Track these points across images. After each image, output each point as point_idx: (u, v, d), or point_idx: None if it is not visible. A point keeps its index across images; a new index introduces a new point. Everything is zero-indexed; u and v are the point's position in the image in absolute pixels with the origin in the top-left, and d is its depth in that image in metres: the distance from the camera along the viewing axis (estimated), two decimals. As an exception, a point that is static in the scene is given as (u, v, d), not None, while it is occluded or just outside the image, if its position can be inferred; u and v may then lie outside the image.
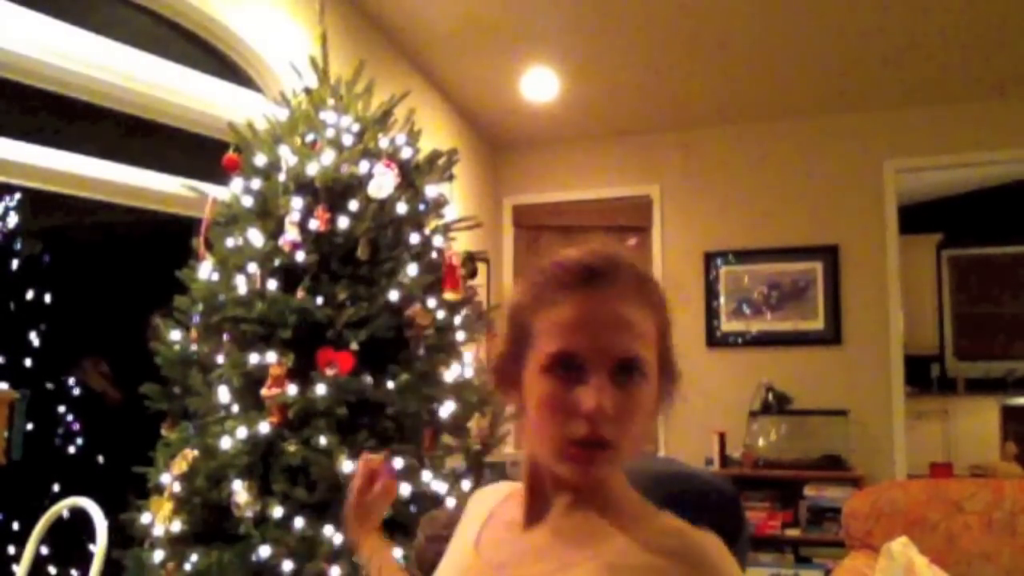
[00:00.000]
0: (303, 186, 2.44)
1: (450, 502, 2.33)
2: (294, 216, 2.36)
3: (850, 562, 2.75)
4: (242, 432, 2.20)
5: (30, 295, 3.77)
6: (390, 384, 2.32)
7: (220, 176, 2.60)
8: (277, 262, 2.36)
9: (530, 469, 0.91)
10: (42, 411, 3.68)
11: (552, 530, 0.88)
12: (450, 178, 2.78)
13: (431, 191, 2.64)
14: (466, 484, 2.43)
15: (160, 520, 2.25)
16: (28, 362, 3.68)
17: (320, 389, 2.22)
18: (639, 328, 0.85)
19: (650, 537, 0.83)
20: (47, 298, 3.80)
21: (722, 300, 4.97)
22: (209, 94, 3.08)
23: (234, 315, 2.32)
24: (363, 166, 2.47)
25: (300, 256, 2.35)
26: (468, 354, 2.65)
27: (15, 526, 3.39)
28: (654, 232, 5.14)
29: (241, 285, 2.35)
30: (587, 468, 0.83)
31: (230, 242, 2.43)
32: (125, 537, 2.37)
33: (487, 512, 0.99)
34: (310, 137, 2.55)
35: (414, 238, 2.52)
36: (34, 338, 3.74)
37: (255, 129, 2.61)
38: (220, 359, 2.35)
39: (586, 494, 0.88)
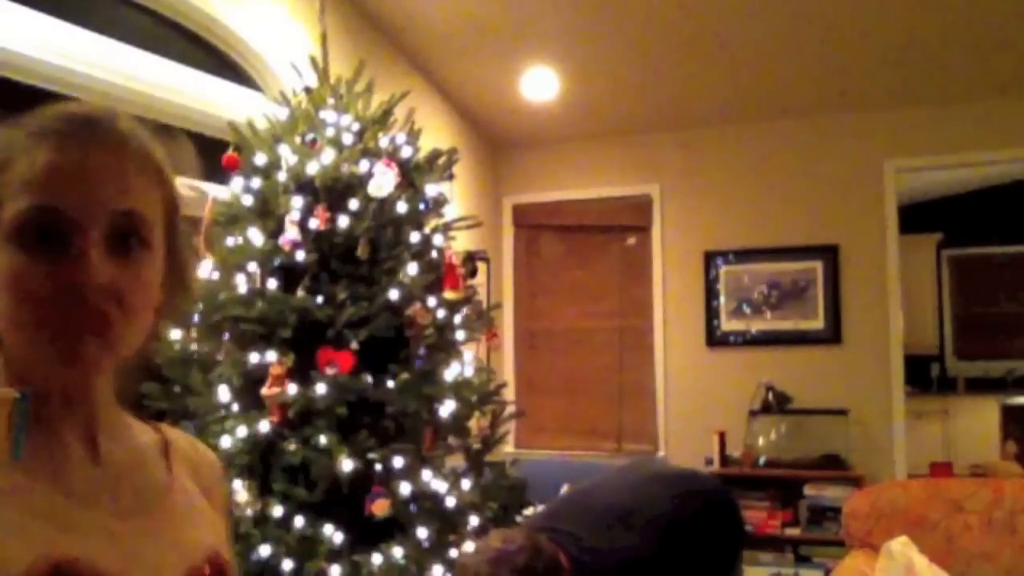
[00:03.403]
0: (303, 185, 2.44)
1: (450, 502, 2.33)
2: (294, 215, 2.36)
3: (850, 562, 2.75)
4: (242, 431, 2.20)
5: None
6: (390, 384, 2.32)
7: (220, 175, 2.60)
8: (277, 261, 2.36)
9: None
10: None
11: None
12: (450, 177, 2.78)
13: (431, 190, 2.64)
14: (466, 484, 2.44)
15: (160, 519, 2.25)
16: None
17: (320, 388, 2.22)
18: (138, 185, 0.69)
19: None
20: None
21: (722, 300, 4.97)
22: (209, 93, 3.08)
23: (234, 314, 2.32)
24: (363, 165, 2.47)
25: (300, 255, 2.35)
26: (468, 353, 2.65)
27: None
28: (654, 232, 5.14)
29: (241, 284, 2.35)
30: (86, 359, 0.65)
31: (230, 241, 2.43)
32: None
33: None
34: (310, 136, 2.55)
35: (414, 237, 2.52)
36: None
37: (255, 128, 2.61)
38: (220, 358, 2.35)
39: (89, 414, 0.71)
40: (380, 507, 2.18)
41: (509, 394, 3.91)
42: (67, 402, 0.70)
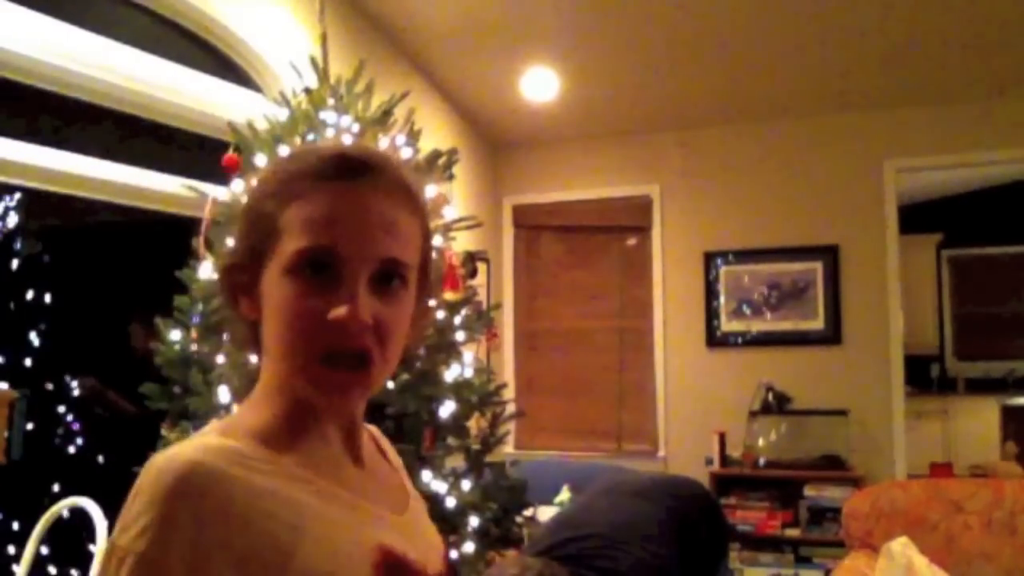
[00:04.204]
0: (303, 186, 2.44)
1: (450, 502, 2.33)
2: (294, 216, 2.36)
3: (850, 562, 2.74)
4: (242, 432, 2.20)
5: (30, 295, 3.77)
6: (390, 384, 2.31)
7: (220, 176, 2.59)
8: (277, 262, 2.35)
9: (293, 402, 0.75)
10: (42, 411, 3.68)
11: (371, 472, 0.83)
12: (450, 178, 2.78)
13: (431, 191, 2.64)
14: (466, 484, 2.43)
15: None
16: (28, 362, 3.68)
17: (320, 389, 2.21)
18: (404, 230, 0.75)
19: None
20: (47, 298, 3.80)
21: (722, 300, 4.97)
22: (209, 94, 3.08)
23: (234, 315, 2.32)
24: (363, 166, 2.47)
25: (300, 256, 2.34)
26: (468, 354, 2.65)
27: (15, 526, 3.38)
28: (654, 232, 5.14)
29: (241, 285, 2.35)
30: (346, 391, 0.73)
31: (230, 242, 2.43)
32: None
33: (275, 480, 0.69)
34: (310, 137, 2.54)
35: (414, 238, 2.52)
36: (34, 338, 3.74)
37: (255, 129, 2.61)
38: (220, 359, 2.35)
39: (349, 423, 0.80)
40: (380, 507, 2.18)
41: (509, 394, 3.91)
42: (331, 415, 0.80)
